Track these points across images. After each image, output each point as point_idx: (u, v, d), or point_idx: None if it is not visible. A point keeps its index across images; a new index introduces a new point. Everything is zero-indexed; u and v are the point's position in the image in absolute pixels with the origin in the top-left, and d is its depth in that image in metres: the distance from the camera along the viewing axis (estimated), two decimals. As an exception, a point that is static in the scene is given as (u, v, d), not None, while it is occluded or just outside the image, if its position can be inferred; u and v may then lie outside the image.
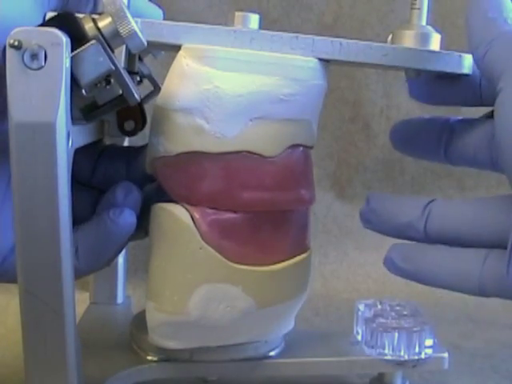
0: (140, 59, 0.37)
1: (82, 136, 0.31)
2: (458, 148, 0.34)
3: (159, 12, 0.35)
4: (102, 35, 0.28)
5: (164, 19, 0.35)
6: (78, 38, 0.27)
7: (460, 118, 0.35)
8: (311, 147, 0.36)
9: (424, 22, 0.34)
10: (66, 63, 0.26)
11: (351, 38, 0.33)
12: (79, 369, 0.29)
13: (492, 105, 0.33)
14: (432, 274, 0.33)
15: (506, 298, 0.31)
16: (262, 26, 0.33)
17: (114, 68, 0.28)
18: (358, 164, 0.64)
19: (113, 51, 0.28)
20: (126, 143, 0.44)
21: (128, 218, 0.32)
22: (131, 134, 0.35)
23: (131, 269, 0.52)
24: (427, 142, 0.35)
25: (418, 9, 0.34)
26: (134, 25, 0.28)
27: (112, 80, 0.28)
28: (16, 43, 0.25)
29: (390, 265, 0.34)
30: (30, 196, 0.27)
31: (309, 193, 0.35)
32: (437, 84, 0.35)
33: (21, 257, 0.27)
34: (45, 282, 0.28)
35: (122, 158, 0.37)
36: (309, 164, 0.35)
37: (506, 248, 0.31)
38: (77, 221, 0.35)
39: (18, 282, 0.28)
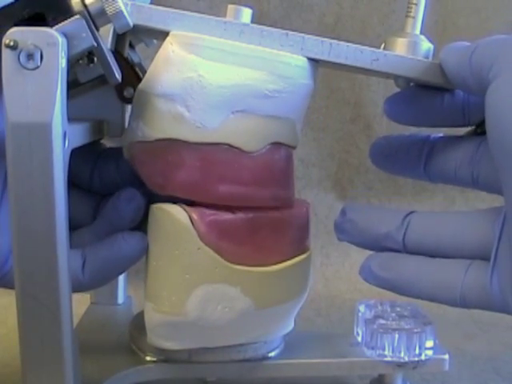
0: (132, 47, 0.37)
1: (80, 136, 0.31)
2: (439, 164, 0.33)
3: None
4: (88, 12, 0.28)
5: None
6: (63, 12, 0.27)
7: (441, 134, 0.35)
8: (294, 147, 0.35)
9: (418, 31, 0.34)
10: (62, 63, 0.26)
11: (352, 39, 0.33)
12: (76, 369, 0.29)
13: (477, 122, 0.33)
14: (412, 284, 0.32)
15: (487, 309, 0.31)
16: (254, 22, 0.32)
17: (95, 45, 0.28)
18: (359, 165, 0.64)
19: (98, 29, 0.28)
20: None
21: (141, 243, 0.33)
22: (131, 100, 0.35)
23: (132, 269, 0.52)
24: (407, 158, 0.34)
25: (413, 17, 0.34)
26: (121, 4, 0.28)
27: (95, 59, 0.28)
28: (12, 43, 0.25)
29: (368, 273, 0.33)
30: (26, 196, 0.27)
31: (286, 193, 0.35)
32: (416, 103, 0.34)
33: (17, 258, 0.27)
34: (41, 283, 0.28)
35: (112, 158, 0.37)
36: (289, 164, 0.35)
37: (487, 260, 0.30)
38: (79, 226, 0.35)
39: (15, 283, 0.28)
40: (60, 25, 0.27)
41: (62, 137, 0.27)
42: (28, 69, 0.26)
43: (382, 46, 0.34)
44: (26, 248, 0.27)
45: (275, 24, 0.58)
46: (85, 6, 0.28)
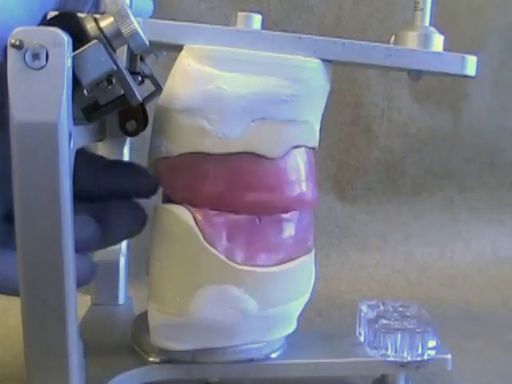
0: (142, 59, 0.37)
1: (84, 136, 0.31)
2: None
3: (150, 4, 0.35)
4: (104, 35, 0.28)
5: (154, 13, 0.35)
6: (79, 38, 0.27)
7: None
8: (314, 148, 0.35)
9: (427, 23, 0.34)
10: (68, 63, 0.26)
11: (353, 40, 0.33)
12: (81, 370, 0.29)
13: None
14: None
15: None
16: (264, 27, 0.33)
17: (115, 68, 0.28)
18: (358, 166, 0.64)
19: (115, 51, 0.28)
20: (127, 144, 0.44)
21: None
22: (133, 134, 0.35)
23: (132, 271, 0.52)
24: None
25: (422, 10, 0.34)
26: (137, 25, 0.28)
27: (114, 80, 0.28)
28: (17, 43, 0.25)
29: None
30: (31, 196, 0.27)
31: (312, 194, 0.35)
32: None
33: (22, 258, 0.27)
34: (46, 283, 0.27)
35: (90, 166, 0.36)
36: (311, 165, 0.35)
37: None
38: None
39: (20, 283, 0.28)
40: (78, 51, 0.27)
41: (68, 137, 0.27)
42: (34, 68, 0.26)
43: (392, 38, 0.34)
44: (30, 248, 0.27)
45: (275, 25, 0.58)
46: (100, 29, 0.27)
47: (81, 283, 0.32)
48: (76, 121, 0.28)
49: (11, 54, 0.26)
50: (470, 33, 0.60)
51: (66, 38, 0.26)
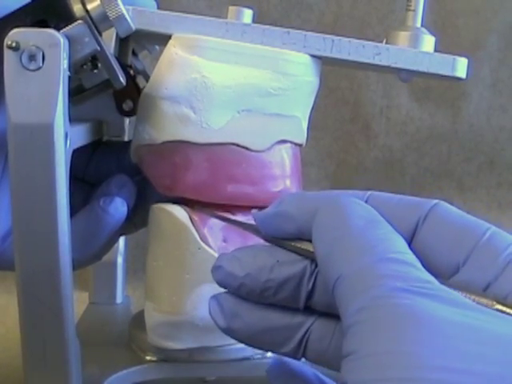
0: (135, 54, 0.37)
1: (80, 137, 0.31)
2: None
3: (153, 2, 0.35)
4: (90, 17, 0.28)
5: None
6: (65, 18, 0.27)
7: None
8: (300, 145, 0.35)
9: (419, 24, 0.34)
10: (64, 64, 0.26)
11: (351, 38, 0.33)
12: (78, 369, 0.29)
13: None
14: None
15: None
16: (253, 22, 0.33)
17: (99, 49, 0.28)
18: (357, 164, 0.64)
19: (100, 34, 0.28)
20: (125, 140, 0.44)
21: (119, 207, 0.33)
22: (130, 113, 0.35)
23: (130, 269, 0.52)
24: None
25: (413, 10, 0.34)
26: (123, 8, 0.28)
27: (99, 64, 0.28)
28: (14, 44, 0.25)
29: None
30: (28, 197, 0.27)
31: (295, 190, 0.35)
32: None
33: (19, 258, 0.28)
34: (43, 283, 0.28)
35: (112, 152, 0.37)
36: (297, 161, 0.35)
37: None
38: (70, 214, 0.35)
39: (17, 283, 0.28)
40: (63, 30, 0.27)
41: (64, 138, 0.27)
42: (30, 70, 0.26)
43: (384, 41, 0.34)
44: (27, 248, 0.27)
45: (274, 23, 0.58)
46: (87, 11, 0.28)
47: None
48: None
49: (8, 55, 0.26)
50: (469, 32, 0.60)
51: (62, 39, 0.26)
